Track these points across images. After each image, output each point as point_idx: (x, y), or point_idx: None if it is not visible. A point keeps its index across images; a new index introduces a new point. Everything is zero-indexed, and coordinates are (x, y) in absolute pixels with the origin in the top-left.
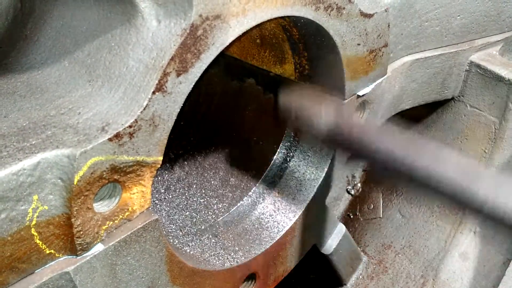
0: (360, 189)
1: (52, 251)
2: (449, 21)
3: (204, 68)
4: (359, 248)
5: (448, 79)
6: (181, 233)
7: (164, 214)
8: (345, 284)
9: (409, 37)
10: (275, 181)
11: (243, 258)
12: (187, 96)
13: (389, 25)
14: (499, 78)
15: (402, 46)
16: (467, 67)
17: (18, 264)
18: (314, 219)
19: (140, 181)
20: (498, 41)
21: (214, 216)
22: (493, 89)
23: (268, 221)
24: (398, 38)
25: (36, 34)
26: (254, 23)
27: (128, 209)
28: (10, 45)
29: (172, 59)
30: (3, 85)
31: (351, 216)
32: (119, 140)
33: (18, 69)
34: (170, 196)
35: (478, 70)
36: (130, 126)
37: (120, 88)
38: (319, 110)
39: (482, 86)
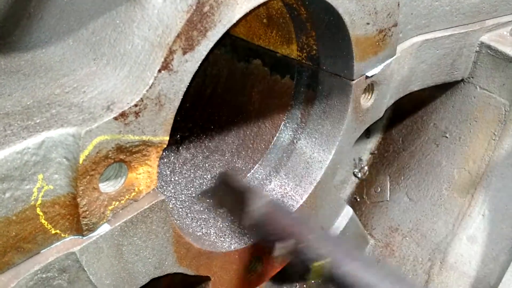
0: (367, 172)
1: (58, 231)
2: (459, 1)
3: (210, 47)
4: (366, 231)
5: (458, 60)
6: (188, 215)
7: (170, 195)
8: None
9: (419, 17)
10: (282, 163)
11: (250, 240)
12: (193, 77)
13: (399, 4)
14: (510, 59)
15: (411, 26)
16: (478, 48)
17: (23, 244)
18: (321, 201)
19: (146, 161)
20: (510, 21)
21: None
22: (503, 71)
23: None
24: (408, 18)
25: (40, 12)
26: (261, 1)
27: (134, 189)
28: (14, 23)
29: (178, 36)
30: (7, 63)
31: (358, 199)
32: (124, 119)
33: (22, 48)
34: (177, 178)
35: (489, 51)
36: (135, 105)
37: (125, 66)
38: None
39: (493, 67)
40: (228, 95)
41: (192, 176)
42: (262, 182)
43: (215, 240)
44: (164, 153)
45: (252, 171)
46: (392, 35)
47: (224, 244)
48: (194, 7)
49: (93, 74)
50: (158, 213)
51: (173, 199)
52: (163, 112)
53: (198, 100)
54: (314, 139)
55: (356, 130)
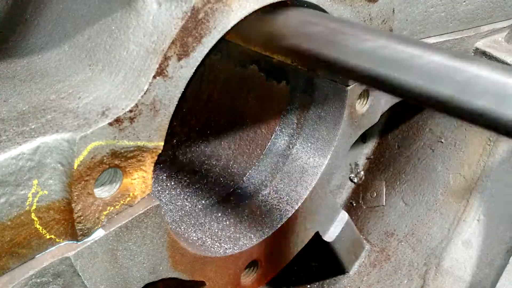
0: (363, 177)
1: (53, 236)
2: (454, 7)
3: (205, 52)
4: (361, 236)
5: None
6: (183, 220)
7: (166, 200)
8: (348, 272)
9: (414, 23)
10: (278, 168)
11: (245, 245)
12: (189, 82)
13: (394, 11)
14: None
15: (407, 32)
16: (473, 53)
17: (18, 249)
18: (317, 206)
19: (141, 167)
20: (504, 27)
21: (216, 203)
22: None
23: (271, 208)
24: (403, 24)
25: (36, 18)
26: (256, 7)
27: (129, 194)
28: (10, 29)
29: (173, 42)
30: (3, 69)
31: (354, 204)
32: (119, 125)
33: (18, 54)
34: (173, 183)
35: (484, 57)
36: (130, 111)
37: (120, 72)
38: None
39: None
40: (225, 100)
41: (188, 181)
42: (257, 187)
43: (210, 245)
44: (160, 158)
45: (247, 175)
46: None
47: (219, 249)
48: (189, 14)
49: (89, 80)
50: (153, 218)
51: (169, 204)
52: (158, 117)
53: (194, 105)
54: (309, 144)
55: (351, 135)
